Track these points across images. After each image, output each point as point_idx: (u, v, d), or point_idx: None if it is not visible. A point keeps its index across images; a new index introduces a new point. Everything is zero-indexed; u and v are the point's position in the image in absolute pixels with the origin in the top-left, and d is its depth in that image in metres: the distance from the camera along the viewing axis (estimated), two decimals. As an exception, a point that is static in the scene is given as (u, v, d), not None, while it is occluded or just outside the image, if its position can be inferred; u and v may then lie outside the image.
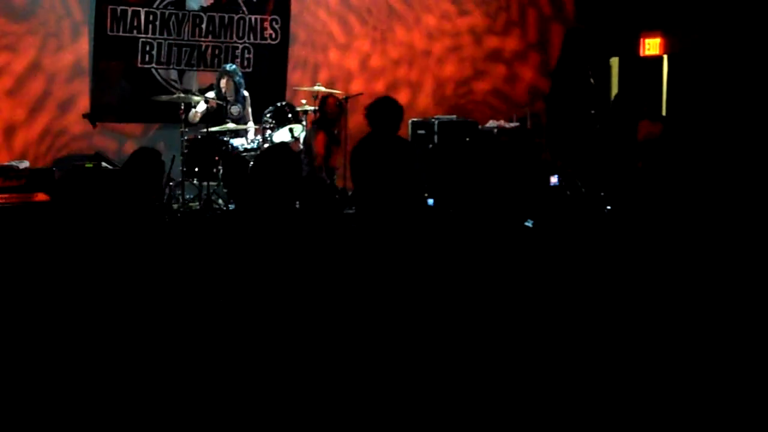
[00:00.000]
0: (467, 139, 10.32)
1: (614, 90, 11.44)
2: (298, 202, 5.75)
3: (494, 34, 11.53)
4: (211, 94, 9.14)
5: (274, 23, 10.18)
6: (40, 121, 9.28)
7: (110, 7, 9.30)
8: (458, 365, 4.28)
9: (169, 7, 9.60)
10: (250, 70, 10.00)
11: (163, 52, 9.63)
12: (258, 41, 10.12)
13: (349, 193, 8.84)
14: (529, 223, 8.14)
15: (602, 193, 9.42)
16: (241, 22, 10.00)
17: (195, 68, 9.37)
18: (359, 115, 7.51)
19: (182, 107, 8.93)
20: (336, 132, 9.39)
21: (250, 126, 9.29)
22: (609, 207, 9.03)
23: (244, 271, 5.21)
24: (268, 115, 9.15)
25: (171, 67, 9.70)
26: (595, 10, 11.51)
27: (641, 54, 11.20)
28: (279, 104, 9.30)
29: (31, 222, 7.65)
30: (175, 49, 9.69)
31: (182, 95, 9.07)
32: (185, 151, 8.79)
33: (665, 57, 10.97)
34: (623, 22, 11.23)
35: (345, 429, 3.68)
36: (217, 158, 8.72)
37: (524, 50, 11.70)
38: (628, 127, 10.01)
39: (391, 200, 6.53)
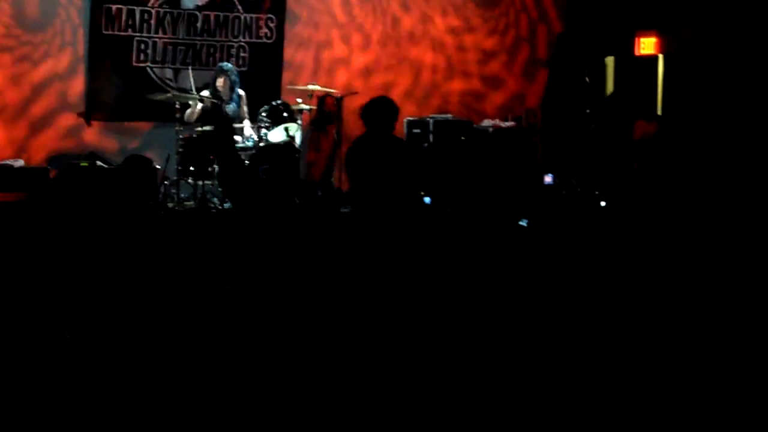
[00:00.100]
0: (462, 138, 10.32)
1: (609, 89, 11.44)
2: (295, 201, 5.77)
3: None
4: (206, 93, 9.13)
5: (269, 22, 10.17)
6: (34, 119, 9.26)
7: (105, 5, 9.29)
8: (454, 363, 4.28)
9: (164, 6, 9.59)
10: (246, 69, 9.99)
11: (158, 50, 9.62)
12: (253, 40, 10.10)
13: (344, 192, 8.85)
14: (523, 222, 8.15)
15: (597, 193, 9.43)
16: (237, 20, 9.98)
17: (190, 67, 9.36)
18: (354, 114, 7.51)
19: (177, 106, 8.92)
20: (335, 130, 9.39)
21: (246, 124, 9.28)
22: (604, 203, 9.04)
23: (241, 268, 5.21)
24: (264, 114, 9.15)
25: (166, 65, 9.69)
26: (589, 10, 11.51)
27: (636, 53, 11.20)
28: (274, 103, 9.29)
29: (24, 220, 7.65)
30: (170, 47, 9.68)
31: (177, 94, 9.06)
32: (180, 150, 8.78)
33: (660, 56, 10.97)
34: (618, 22, 11.23)
35: (344, 428, 3.68)
36: (212, 157, 8.72)
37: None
38: (623, 127, 10.02)
39: (387, 199, 6.54)
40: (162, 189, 8.68)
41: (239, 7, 9.99)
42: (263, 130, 9.07)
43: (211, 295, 5.19)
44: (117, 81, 9.49)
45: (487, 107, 11.44)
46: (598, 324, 4.98)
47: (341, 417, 3.72)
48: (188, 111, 8.97)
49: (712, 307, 5.21)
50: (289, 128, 9.13)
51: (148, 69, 9.62)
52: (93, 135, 9.52)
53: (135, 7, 9.43)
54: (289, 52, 10.36)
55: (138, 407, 3.72)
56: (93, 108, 9.45)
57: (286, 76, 10.29)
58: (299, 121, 9.37)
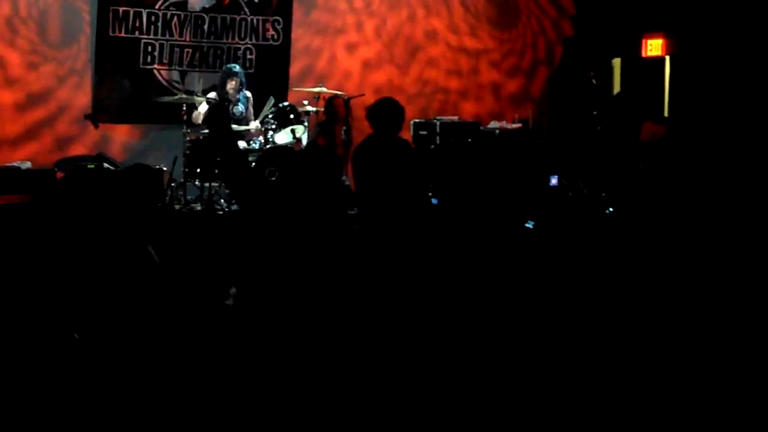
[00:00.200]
0: (469, 140, 10.32)
1: (616, 91, 11.43)
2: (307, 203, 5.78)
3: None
4: (212, 95, 9.14)
5: (276, 24, 10.18)
6: (41, 122, 9.28)
7: (112, 8, 9.31)
8: (459, 364, 4.28)
9: (171, 8, 9.61)
10: (252, 71, 10.00)
11: (165, 53, 9.64)
12: (260, 42, 10.12)
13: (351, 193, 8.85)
14: (530, 224, 8.13)
15: (604, 195, 9.41)
16: (243, 23, 10.00)
17: (197, 69, 9.36)
18: (361, 116, 7.52)
19: (184, 108, 8.93)
20: (344, 131, 9.39)
21: (253, 126, 9.30)
22: (611, 209, 9.01)
23: (248, 271, 5.22)
24: (270, 116, 9.15)
25: (173, 68, 9.71)
26: (597, 11, 11.50)
27: (643, 55, 11.19)
28: (281, 105, 9.30)
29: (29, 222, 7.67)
30: (177, 50, 9.70)
31: (184, 96, 9.07)
32: (187, 152, 8.79)
33: (667, 58, 10.95)
34: (625, 23, 11.23)
35: (346, 428, 3.68)
36: (219, 159, 8.73)
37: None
38: (630, 129, 9.99)
39: (393, 201, 6.54)
40: (169, 191, 8.69)
41: (246, 10, 10.01)
42: (270, 132, 9.08)
43: (218, 296, 5.19)
44: (124, 83, 9.51)
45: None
46: (605, 325, 4.97)
47: (350, 417, 3.72)
48: (195, 113, 8.99)
49: (720, 308, 5.20)
50: (296, 130, 9.14)
51: (155, 71, 9.64)
52: (100, 137, 9.54)
53: (142, 10, 9.46)
54: (295, 53, 10.38)
55: (145, 407, 3.72)
56: (100, 110, 9.48)
57: (293, 78, 10.31)
58: (306, 124, 9.38)
